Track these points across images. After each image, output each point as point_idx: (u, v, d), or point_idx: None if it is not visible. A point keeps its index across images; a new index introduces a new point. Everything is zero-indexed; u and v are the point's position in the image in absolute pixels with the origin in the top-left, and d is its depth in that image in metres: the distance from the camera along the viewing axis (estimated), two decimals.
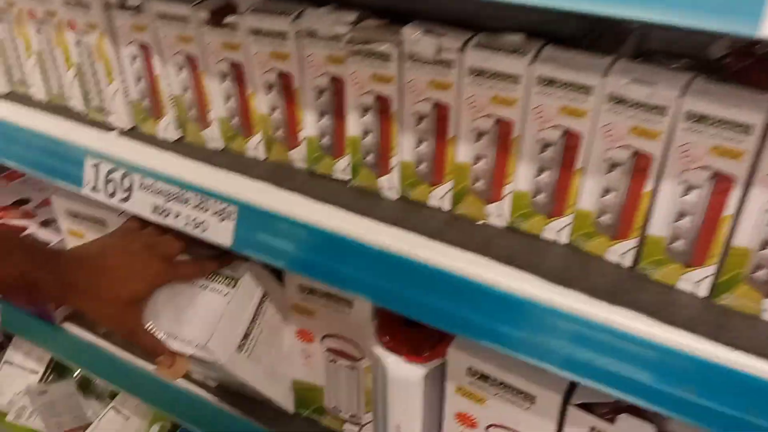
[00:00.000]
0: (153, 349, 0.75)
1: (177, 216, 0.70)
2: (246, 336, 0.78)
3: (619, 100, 0.49)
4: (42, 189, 1.17)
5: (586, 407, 0.63)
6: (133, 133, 0.76)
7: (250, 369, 0.81)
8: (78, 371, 1.41)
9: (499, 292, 0.55)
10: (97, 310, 0.72)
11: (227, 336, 0.76)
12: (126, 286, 0.71)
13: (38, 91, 0.83)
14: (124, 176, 0.72)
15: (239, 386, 0.88)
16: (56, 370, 1.39)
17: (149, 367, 1.01)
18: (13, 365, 1.36)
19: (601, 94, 0.50)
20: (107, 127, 0.77)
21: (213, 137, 0.72)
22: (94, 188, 0.75)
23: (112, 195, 0.74)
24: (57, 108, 0.82)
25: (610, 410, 0.62)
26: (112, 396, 1.37)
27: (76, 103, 0.79)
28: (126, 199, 0.73)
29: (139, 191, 0.72)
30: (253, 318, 0.79)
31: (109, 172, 0.73)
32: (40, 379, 1.36)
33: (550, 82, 0.51)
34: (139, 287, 0.73)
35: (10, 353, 1.36)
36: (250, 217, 0.66)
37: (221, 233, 0.68)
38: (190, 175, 0.69)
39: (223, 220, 0.67)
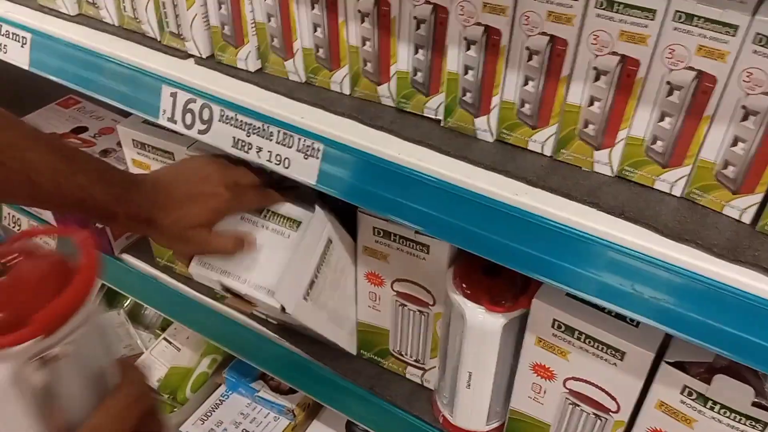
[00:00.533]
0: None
1: (259, 151, 0.67)
2: (311, 284, 0.76)
3: (766, 42, 0.45)
4: (99, 117, 1.16)
5: (680, 366, 0.61)
6: (210, 61, 0.73)
7: (314, 315, 0.79)
8: (128, 301, 1.42)
9: (606, 242, 0.52)
10: (163, 233, 0.70)
11: (294, 283, 0.74)
12: (192, 210, 0.70)
13: (109, 14, 0.80)
14: (203, 107, 0.70)
15: (301, 328, 0.87)
16: (106, 299, 1.41)
17: (208, 300, 1.01)
18: None
19: (747, 34, 0.45)
20: (183, 55, 0.74)
21: (296, 69, 0.69)
22: (170, 118, 0.72)
23: (190, 126, 0.71)
24: (129, 33, 0.79)
25: (705, 370, 0.60)
26: (163, 328, 1.39)
27: (150, 27, 0.76)
28: (205, 131, 0.70)
29: (219, 123, 0.69)
30: (319, 265, 0.76)
31: (188, 102, 0.70)
32: None
33: (688, 18, 0.47)
34: (204, 212, 0.71)
35: None
36: (335, 155, 0.64)
37: (305, 171, 0.65)
38: (274, 108, 0.66)
39: (308, 157, 0.65)
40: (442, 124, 0.63)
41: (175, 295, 1.04)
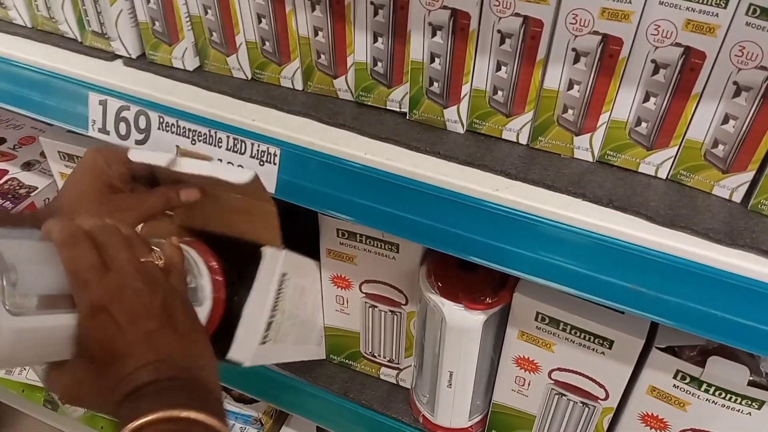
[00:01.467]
0: None
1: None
2: (268, 326, 0.68)
3: (759, 13, 0.42)
4: (17, 126, 1.05)
5: (671, 350, 0.59)
6: (141, 62, 0.66)
7: (275, 352, 0.72)
8: None
9: (597, 235, 0.49)
10: None
11: (249, 336, 0.64)
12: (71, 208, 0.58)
13: (20, 15, 0.71)
14: (138, 114, 0.62)
15: None
16: None
17: None
18: None
19: (739, 5, 0.42)
20: (110, 56, 0.66)
21: (240, 65, 0.62)
22: (102, 129, 0.65)
23: (125, 136, 0.64)
24: (45, 34, 0.70)
25: (697, 353, 0.59)
26: None
27: (69, 27, 0.68)
28: (143, 141, 0.63)
29: (158, 131, 0.62)
30: (274, 304, 0.67)
31: (120, 109, 0.63)
32: None
33: None
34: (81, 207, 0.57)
35: None
36: (294, 160, 0.58)
37: (262, 179, 0.59)
38: (220, 111, 0.60)
39: (263, 164, 0.59)
40: (408, 117, 0.58)
41: None
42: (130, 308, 0.45)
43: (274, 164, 0.58)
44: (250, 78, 0.63)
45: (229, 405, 1.13)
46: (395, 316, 0.78)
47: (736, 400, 0.57)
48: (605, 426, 0.68)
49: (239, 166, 0.59)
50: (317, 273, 0.77)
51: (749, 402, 0.57)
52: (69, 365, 0.45)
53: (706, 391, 0.58)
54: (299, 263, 0.72)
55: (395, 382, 0.85)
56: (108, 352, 0.44)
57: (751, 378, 0.56)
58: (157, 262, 0.49)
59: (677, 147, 0.50)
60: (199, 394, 0.45)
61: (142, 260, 0.48)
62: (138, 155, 0.59)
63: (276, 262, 0.65)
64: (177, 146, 0.60)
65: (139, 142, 0.64)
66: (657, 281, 0.49)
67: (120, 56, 0.66)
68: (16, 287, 0.40)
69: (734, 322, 0.46)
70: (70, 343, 0.43)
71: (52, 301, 0.42)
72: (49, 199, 0.94)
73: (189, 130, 0.61)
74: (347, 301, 0.79)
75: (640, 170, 0.53)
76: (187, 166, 0.57)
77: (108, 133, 0.65)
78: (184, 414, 0.43)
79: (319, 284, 0.77)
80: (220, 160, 0.60)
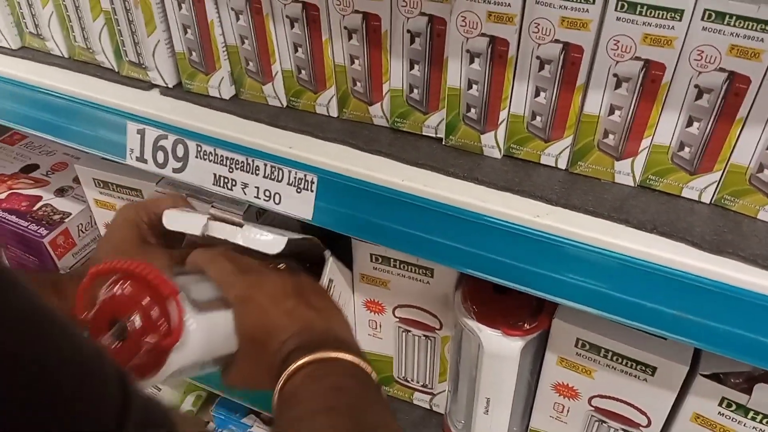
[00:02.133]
0: None
1: (245, 187, 0.61)
2: None
3: None
4: (50, 152, 1.07)
5: (715, 377, 0.58)
6: (177, 91, 0.66)
7: None
8: None
9: (642, 261, 0.48)
10: None
11: None
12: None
13: (57, 45, 0.72)
14: (176, 143, 0.63)
15: None
16: None
17: None
18: None
19: None
20: (147, 85, 0.67)
21: (276, 93, 0.63)
22: (140, 158, 0.65)
23: (163, 165, 0.65)
24: (82, 64, 0.71)
25: (744, 380, 0.57)
26: None
27: (106, 57, 0.69)
28: (180, 169, 0.64)
29: (196, 159, 0.63)
30: None
31: (158, 138, 0.64)
32: None
33: (719, 17, 0.43)
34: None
35: None
36: (331, 186, 0.58)
37: (299, 206, 0.59)
38: (257, 139, 0.60)
39: (300, 191, 0.59)
40: (444, 143, 0.58)
41: None
42: (269, 293, 0.57)
43: (312, 191, 0.58)
44: (285, 105, 0.64)
45: (259, 429, 1.12)
46: (429, 341, 0.77)
47: None
48: None
49: (273, 232, 0.60)
50: (351, 292, 0.77)
51: None
52: (237, 358, 0.56)
53: (753, 419, 0.57)
54: (342, 272, 0.72)
55: (429, 407, 0.84)
56: (260, 330, 0.55)
57: None
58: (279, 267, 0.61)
59: (721, 171, 0.50)
60: (339, 344, 0.54)
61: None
62: (172, 221, 0.63)
63: (327, 266, 0.68)
64: (210, 213, 0.62)
65: (176, 170, 0.64)
66: (703, 308, 0.48)
67: (157, 85, 0.67)
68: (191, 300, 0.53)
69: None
70: (232, 335, 0.55)
71: (214, 305, 0.55)
72: (82, 224, 0.95)
73: (226, 158, 0.61)
74: (380, 326, 0.79)
75: (683, 195, 0.52)
76: (219, 232, 0.61)
77: (146, 161, 0.66)
78: (332, 355, 0.52)
79: (353, 306, 0.77)
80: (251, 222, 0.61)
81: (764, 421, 0.56)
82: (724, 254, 0.47)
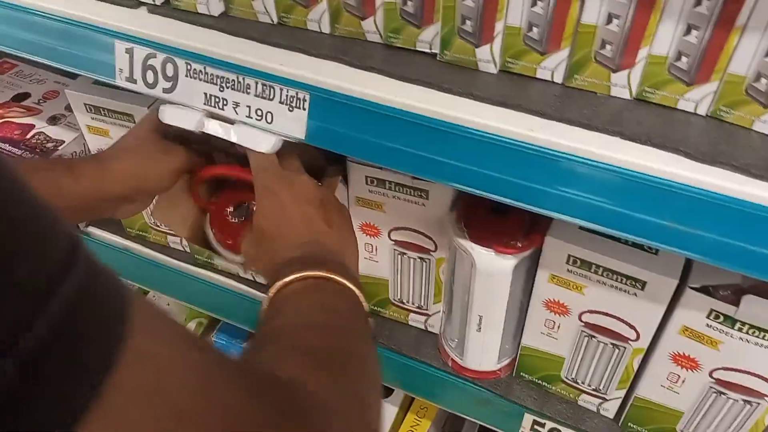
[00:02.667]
0: None
1: (236, 106, 0.60)
2: None
3: None
4: (41, 80, 1.05)
5: (704, 290, 0.59)
6: (166, 8, 0.65)
7: None
8: None
9: (634, 173, 0.49)
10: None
11: None
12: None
13: None
14: (165, 62, 0.62)
15: None
16: None
17: (182, 265, 0.96)
18: None
19: None
20: (134, 3, 0.65)
21: (266, 9, 0.61)
22: (129, 78, 0.64)
23: (153, 85, 0.64)
24: None
25: (732, 292, 0.59)
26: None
27: None
28: (171, 89, 0.63)
29: (186, 78, 0.62)
30: None
31: (147, 57, 0.63)
32: None
33: None
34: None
35: None
36: (324, 104, 0.57)
37: (291, 125, 0.59)
38: (248, 56, 0.59)
39: (293, 109, 0.58)
40: (438, 59, 0.57)
41: (151, 264, 0.98)
42: (295, 193, 0.60)
43: (304, 109, 0.58)
44: (276, 22, 0.62)
45: None
46: (424, 263, 0.78)
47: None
48: (635, 366, 0.69)
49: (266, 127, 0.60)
50: None
51: None
52: (251, 238, 0.61)
53: (740, 329, 0.58)
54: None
55: (424, 328, 0.86)
56: (274, 224, 0.59)
57: None
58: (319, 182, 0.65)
59: (719, 81, 0.49)
60: (339, 268, 0.55)
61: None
62: (169, 115, 0.63)
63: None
64: (204, 108, 0.62)
65: (166, 90, 0.63)
66: (695, 218, 0.48)
67: (144, 3, 0.65)
68: None
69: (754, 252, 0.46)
70: None
71: None
72: (76, 152, 0.94)
73: (217, 77, 0.60)
74: (376, 249, 0.79)
75: (678, 107, 0.52)
76: (214, 129, 0.62)
77: (135, 81, 0.65)
78: (330, 275, 0.53)
79: None
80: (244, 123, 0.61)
81: (751, 331, 0.58)
82: (717, 164, 0.47)
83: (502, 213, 0.69)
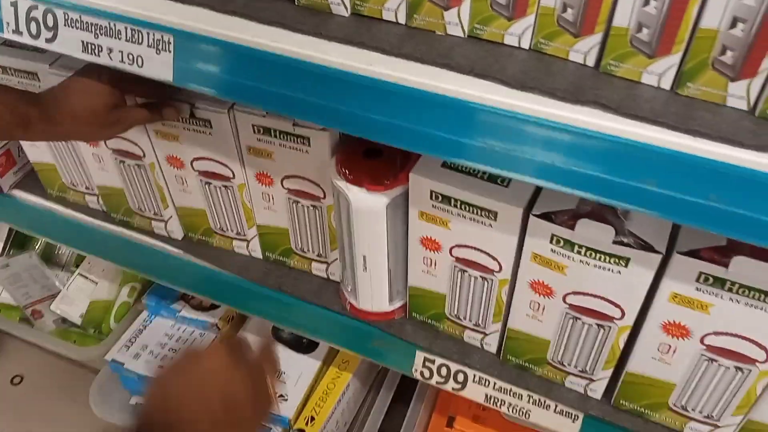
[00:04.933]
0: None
1: (110, 52, 0.64)
2: None
3: None
4: None
5: (547, 217, 0.63)
6: None
7: None
8: (39, 243, 1.38)
9: (461, 101, 0.53)
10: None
11: None
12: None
13: None
14: (46, 12, 0.65)
15: None
16: (16, 244, 1.37)
17: (107, 225, 1.00)
18: None
19: None
20: None
21: None
22: (15, 30, 0.68)
23: (36, 36, 0.67)
24: None
25: (570, 217, 0.63)
26: (78, 265, 1.36)
27: None
28: (52, 39, 0.66)
29: (65, 28, 0.65)
30: None
31: (30, 9, 0.66)
32: (1, 254, 1.33)
33: None
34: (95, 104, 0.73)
35: None
36: (188, 46, 0.61)
37: (160, 68, 0.63)
38: (118, 4, 0.62)
39: (159, 52, 0.62)
40: (296, 3, 0.61)
41: (72, 224, 1.01)
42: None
43: (169, 52, 0.62)
44: None
45: (187, 313, 1.19)
46: (317, 211, 0.82)
47: (605, 259, 0.62)
48: (504, 297, 0.73)
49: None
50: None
51: (617, 260, 0.61)
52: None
53: (579, 252, 0.63)
54: None
55: (326, 277, 0.90)
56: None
57: (616, 238, 0.60)
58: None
59: (534, 15, 0.53)
60: None
61: None
62: None
63: None
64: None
65: (48, 40, 0.67)
66: (510, 139, 0.52)
67: None
68: None
69: (576, 172, 0.50)
70: None
71: None
72: None
73: (92, 24, 0.64)
74: (272, 198, 0.83)
75: (505, 42, 0.56)
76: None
77: (21, 33, 0.68)
78: None
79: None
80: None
81: (588, 253, 0.62)
82: (526, 89, 0.52)
83: (377, 156, 0.73)
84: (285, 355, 1.14)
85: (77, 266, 1.35)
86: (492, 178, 0.66)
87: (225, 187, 0.85)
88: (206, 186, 0.86)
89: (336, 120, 0.58)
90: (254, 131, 0.76)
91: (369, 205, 0.71)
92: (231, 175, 0.83)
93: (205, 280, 0.96)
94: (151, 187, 0.90)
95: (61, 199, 1.03)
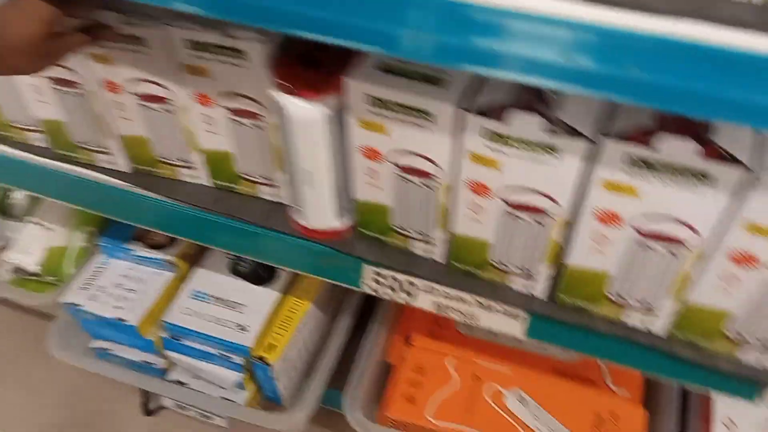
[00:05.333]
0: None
1: None
2: None
3: None
4: None
5: (480, 113, 0.64)
6: None
7: None
8: None
9: None
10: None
11: None
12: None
13: None
14: None
15: None
16: None
17: (54, 163, 0.98)
18: None
19: None
20: None
21: None
22: None
23: None
24: None
25: (502, 111, 0.64)
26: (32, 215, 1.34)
27: None
28: None
29: None
30: None
31: None
32: None
33: None
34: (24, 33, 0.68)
35: None
36: None
37: None
38: None
39: None
40: None
41: (17, 163, 1.00)
42: None
43: None
44: None
45: (143, 252, 1.19)
46: (260, 131, 0.82)
47: (537, 150, 0.63)
48: (446, 202, 0.74)
49: None
50: None
51: (548, 149, 0.62)
52: None
53: (512, 146, 0.64)
54: None
55: (275, 200, 0.90)
56: None
57: (545, 126, 0.62)
58: None
59: None
60: None
61: None
62: None
63: None
64: None
65: None
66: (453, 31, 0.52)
67: None
68: None
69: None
70: None
71: None
72: None
73: None
74: (213, 120, 0.83)
75: None
76: None
77: None
78: None
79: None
80: None
81: (520, 146, 0.63)
82: None
83: (314, 66, 0.72)
84: (243, 288, 1.15)
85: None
86: (428, 79, 0.66)
87: (164, 110, 0.84)
88: (145, 110, 0.85)
89: (266, 18, 0.58)
90: (188, 47, 0.75)
91: (307, 114, 0.71)
92: (169, 97, 0.82)
93: (153, 212, 0.95)
94: (93, 117, 0.89)
95: (3, 138, 1.00)
